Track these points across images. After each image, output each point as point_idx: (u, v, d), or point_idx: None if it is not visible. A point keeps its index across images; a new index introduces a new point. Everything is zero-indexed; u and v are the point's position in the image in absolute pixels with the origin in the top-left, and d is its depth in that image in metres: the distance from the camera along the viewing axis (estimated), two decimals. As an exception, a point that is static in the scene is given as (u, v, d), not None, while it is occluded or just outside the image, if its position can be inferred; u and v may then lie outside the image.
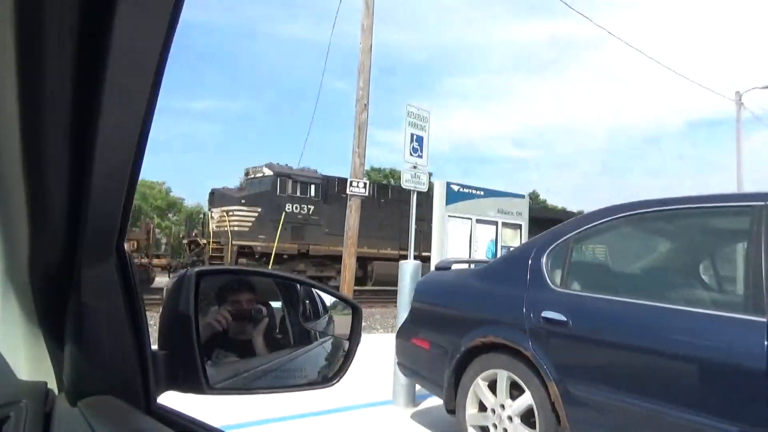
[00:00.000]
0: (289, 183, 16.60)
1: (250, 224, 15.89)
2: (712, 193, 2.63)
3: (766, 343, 2.06)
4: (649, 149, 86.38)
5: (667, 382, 2.40)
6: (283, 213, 16.09)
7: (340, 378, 0.87)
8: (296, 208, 16.63)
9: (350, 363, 0.89)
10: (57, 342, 0.71)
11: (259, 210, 16.05)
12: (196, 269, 0.76)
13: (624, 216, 2.89)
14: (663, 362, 2.44)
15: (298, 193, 16.72)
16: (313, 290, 0.94)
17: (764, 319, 2.12)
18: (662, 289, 2.90)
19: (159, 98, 0.51)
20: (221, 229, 15.96)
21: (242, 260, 15.67)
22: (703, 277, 3.15)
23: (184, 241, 17.29)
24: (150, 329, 0.75)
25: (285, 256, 16.38)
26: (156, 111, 0.52)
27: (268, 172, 16.72)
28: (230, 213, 15.79)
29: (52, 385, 0.71)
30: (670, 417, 2.29)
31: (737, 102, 22.51)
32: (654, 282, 3.10)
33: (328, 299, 0.95)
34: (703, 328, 2.33)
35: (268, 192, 16.34)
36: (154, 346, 0.75)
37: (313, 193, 17.05)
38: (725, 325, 2.26)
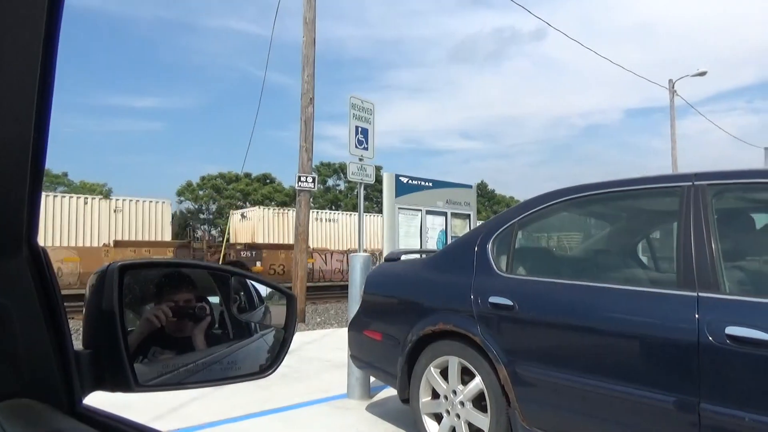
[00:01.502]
0: None
1: None
2: (645, 175, 2.72)
3: (696, 316, 2.17)
4: (589, 137, 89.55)
5: (609, 359, 2.48)
6: None
7: (276, 368, 0.85)
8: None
9: (285, 353, 0.87)
10: None
11: None
12: (119, 263, 0.73)
13: (564, 200, 2.96)
14: (605, 340, 2.52)
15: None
16: (247, 281, 0.92)
17: (694, 294, 2.23)
18: (602, 269, 3.00)
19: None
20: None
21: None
22: (640, 256, 3.28)
23: None
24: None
25: None
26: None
27: None
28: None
29: None
30: (612, 391, 2.38)
31: (670, 90, 23.58)
32: (594, 263, 3.20)
33: (263, 289, 0.93)
34: (641, 306, 2.41)
35: None
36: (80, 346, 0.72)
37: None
38: (661, 301, 2.35)
